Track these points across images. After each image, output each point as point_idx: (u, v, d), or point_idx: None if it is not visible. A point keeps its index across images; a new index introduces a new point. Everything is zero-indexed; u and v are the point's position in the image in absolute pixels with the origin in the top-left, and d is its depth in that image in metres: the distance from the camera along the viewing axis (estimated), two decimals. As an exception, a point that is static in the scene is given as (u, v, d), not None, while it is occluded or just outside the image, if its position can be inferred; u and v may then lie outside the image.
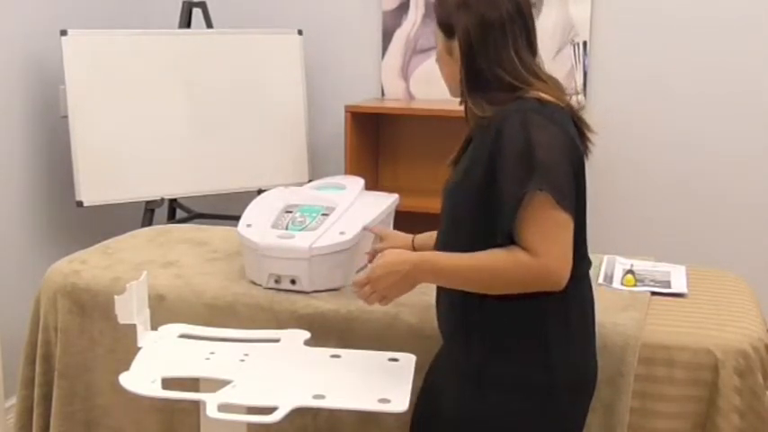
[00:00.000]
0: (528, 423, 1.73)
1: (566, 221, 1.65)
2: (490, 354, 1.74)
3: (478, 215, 1.71)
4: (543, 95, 1.72)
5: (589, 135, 1.79)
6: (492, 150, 1.68)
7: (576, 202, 1.69)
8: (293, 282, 2.22)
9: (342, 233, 2.23)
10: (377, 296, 1.79)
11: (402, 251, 1.79)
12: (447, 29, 1.79)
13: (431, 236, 2.05)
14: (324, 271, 2.21)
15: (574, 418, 1.79)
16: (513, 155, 1.65)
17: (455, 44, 1.77)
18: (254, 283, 2.29)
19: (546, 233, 1.64)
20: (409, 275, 1.74)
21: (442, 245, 1.83)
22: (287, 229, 2.26)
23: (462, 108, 1.89)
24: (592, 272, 2.44)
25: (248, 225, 2.32)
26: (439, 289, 1.86)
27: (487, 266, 1.67)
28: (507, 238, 1.67)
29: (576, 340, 1.76)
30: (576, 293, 1.76)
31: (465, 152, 1.86)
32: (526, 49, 1.76)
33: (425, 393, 1.94)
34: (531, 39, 1.78)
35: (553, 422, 1.75)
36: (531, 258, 1.63)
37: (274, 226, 2.28)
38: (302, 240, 2.20)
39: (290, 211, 2.34)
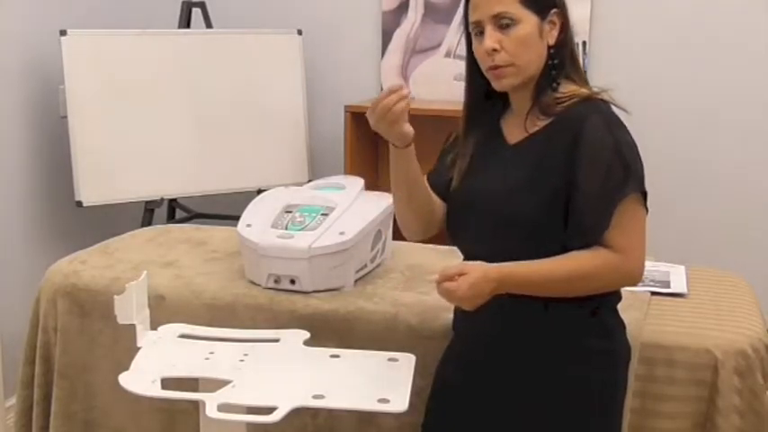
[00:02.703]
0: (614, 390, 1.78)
1: (645, 219, 1.69)
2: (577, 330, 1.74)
3: (549, 218, 1.68)
4: (610, 97, 1.74)
5: None
6: (571, 152, 1.65)
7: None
8: (293, 282, 2.22)
9: (341, 233, 2.23)
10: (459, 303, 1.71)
11: (484, 269, 1.66)
12: (546, 6, 1.71)
13: None
14: (323, 271, 2.21)
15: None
16: (604, 156, 1.64)
17: (546, 24, 1.71)
18: (254, 284, 2.29)
19: (636, 233, 1.67)
20: (493, 292, 1.67)
21: (492, 251, 1.72)
22: (286, 228, 2.26)
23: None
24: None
25: (248, 225, 2.32)
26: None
27: (576, 272, 1.66)
28: (584, 239, 1.66)
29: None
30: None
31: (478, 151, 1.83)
32: None
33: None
34: None
35: (621, 389, 1.81)
36: (621, 258, 1.65)
37: (274, 226, 2.28)
38: (302, 240, 2.20)
39: (290, 211, 2.34)
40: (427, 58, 3.73)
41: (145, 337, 1.95)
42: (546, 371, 1.73)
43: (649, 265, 2.46)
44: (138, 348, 1.91)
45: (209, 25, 3.70)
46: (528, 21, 1.70)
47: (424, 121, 3.81)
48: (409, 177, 1.81)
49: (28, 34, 3.24)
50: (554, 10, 1.72)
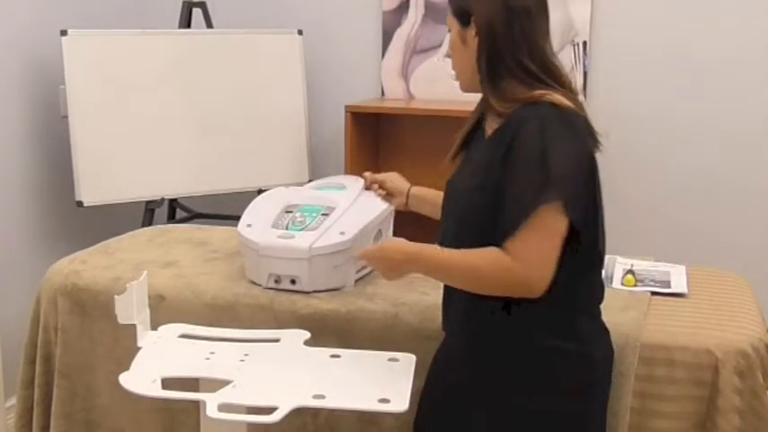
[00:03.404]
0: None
1: (562, 231, 1.64)
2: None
3: (485, 214, 1.70)
4: (561, 100, 1.68)
5: (599, 139, 1.74)
6: (506, 153, 1.66)
7: (590, 208, 1.69)
8: (293, 282, 2.22)
9: (342, 233, 2.23)
10: (376, 269, 1.87)
11: (403, 242, 1.83)
12: (462, 14, 1.73)
13: (428, 192, 2.16)
14: (324, 271, 2.21)
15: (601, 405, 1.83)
16: (528, 163, 1.63)
17: (470, 31, 1.72)
18: (255, 284, 2.29)
19: (539, 243, 1.63)
20: (402, 265, 1.78)
21: (445, 241, 1.81)
22: (287, 229, 2.26)
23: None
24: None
25: (248, 225, 2.32)
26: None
27: (473, 267, 1.68)
28: (501, 241, 1.66)
29: (588, 331, 1.78)
30: (587, 292, 1.78)
31: (467, 147, 1.87)
32: (549, 42, 1.74)
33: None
34: (549, 28, 1.75)
35: (598, 392, 1.80)
36: (515, 266, 1.63)
37: (274, 226, 2.28)
38: (302, 240, 2.20)
39: (290, 211, 2.34)
40: (427, 58, 3.73)
41: (145, 337, 1.96)
42: (513, 372, 1.74)
43: (650, 266, 2.47)
44: (139, 348, 1.91)
45: (209, 25, 3.70)
46: (453, 28, 1.76)
47: (425, 120, 3.83)
48: (433, 212, 2.07)
49: (28, 34, 3.24)
50: (472, 17, 1.71)
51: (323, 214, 2.31)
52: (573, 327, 1.75)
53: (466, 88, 1.81)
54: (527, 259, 1.63)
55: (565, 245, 1.66)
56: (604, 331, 1.83)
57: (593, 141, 1.71)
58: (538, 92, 1.69)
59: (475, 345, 1.79)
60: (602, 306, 1.84)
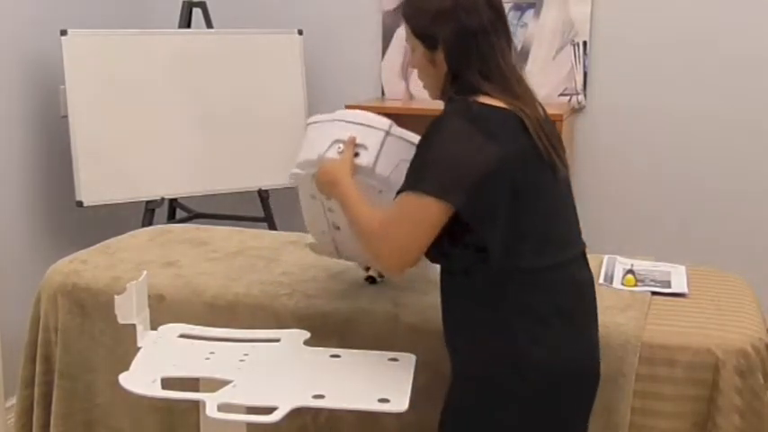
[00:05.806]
0: (501, 424, 1.72)
1: (416, 218, 1.68)
2: (463, 355, 1.79)
3: None
4: (485, 100, 1.72)
5: (544, 143, 1.74)
6: None
7: (503, 202, 1.67)
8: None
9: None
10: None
11: (339, 167, 1.89)
12: (428, 40, 1.77)
13: None
14: (393, 159, 1.98)
15: (553, 419, 1.74)
16: (418, 149, 1.74)
17: (439, 54, 1.77)
18: (313, 198, 2.11)
19: (395, 222, 1.70)
20: (326, 186, 1.89)
21: None
22: None
23: None
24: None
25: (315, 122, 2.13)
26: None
27: (358, 215, 1.78)
28: None
29: (546, 338, 1.70)
30: (535, 287, 1.72)
31: None
32: (509, 53, 1.78)
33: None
34: (510, 41, 1.80)
35: (527, 423, 1.72)
36: (377, 230, 1.72)
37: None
38: (381, 122, 2.01)
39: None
40: (428, 57, 3.72)
41: (145, 337, 1.96)
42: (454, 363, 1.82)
43: (650, 266, 2.47)
44: (139, 348, 1.91)
45: (209, 25, 3.70)
46: (419, 52, 1.81)
47: (425, 121, 3.81)
48: None
49: (28, 34, 3.24)
50: (438, 41, 1.76)
51: None
52: (510, 332, 1.71)
53: (437, 98, 1.86)
54: (384, 231, 1.71)
55: (458, 241, 1.71)
56: (550, 351, 1.71)
57: (515, 142, 1.71)
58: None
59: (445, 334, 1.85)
60: (576, 318, 1.77)
